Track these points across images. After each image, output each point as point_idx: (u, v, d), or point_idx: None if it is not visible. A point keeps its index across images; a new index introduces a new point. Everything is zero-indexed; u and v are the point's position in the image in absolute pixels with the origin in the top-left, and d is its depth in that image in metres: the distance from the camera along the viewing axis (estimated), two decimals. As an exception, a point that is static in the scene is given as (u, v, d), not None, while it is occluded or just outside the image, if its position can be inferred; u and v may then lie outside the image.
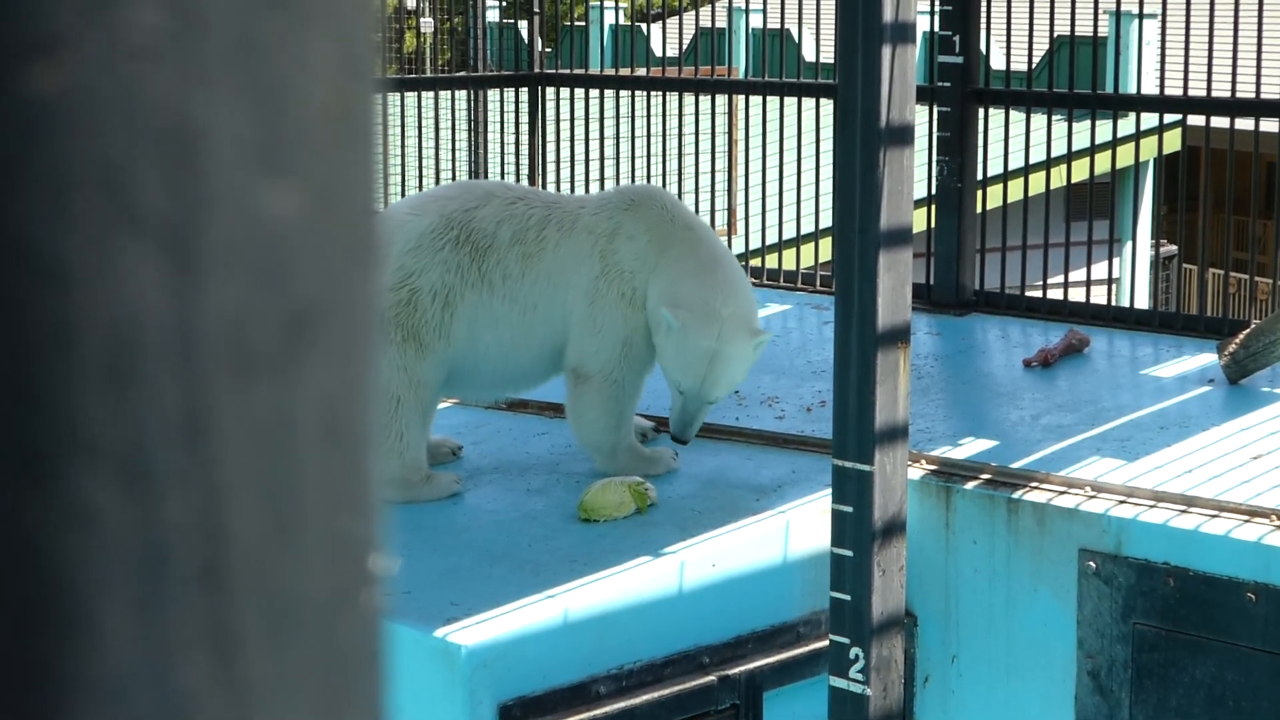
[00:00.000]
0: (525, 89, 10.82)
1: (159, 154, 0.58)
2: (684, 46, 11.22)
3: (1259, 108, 8.20)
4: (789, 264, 10.07)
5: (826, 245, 10.89)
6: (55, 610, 0.58)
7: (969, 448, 6.55)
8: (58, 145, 0.58)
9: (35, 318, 0.58)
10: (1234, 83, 8.18)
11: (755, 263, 9.90)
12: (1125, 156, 12.12)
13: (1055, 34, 8.88)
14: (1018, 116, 8.94)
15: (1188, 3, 8.27)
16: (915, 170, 5.65)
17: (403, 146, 11.06)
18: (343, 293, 0.61)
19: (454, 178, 10.75)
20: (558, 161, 10.62)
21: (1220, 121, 8.41)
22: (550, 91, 10.74)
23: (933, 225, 8.92)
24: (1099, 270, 13.54)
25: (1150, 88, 14.78)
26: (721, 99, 10.93)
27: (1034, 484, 6.15)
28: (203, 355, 0.59)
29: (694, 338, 6.15)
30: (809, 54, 13.87)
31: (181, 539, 0.59)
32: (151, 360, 0.58)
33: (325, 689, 0.62)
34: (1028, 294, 8.95)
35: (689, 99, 10.48)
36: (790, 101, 9.72)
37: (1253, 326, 7.34)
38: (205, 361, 0.59)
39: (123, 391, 0.58)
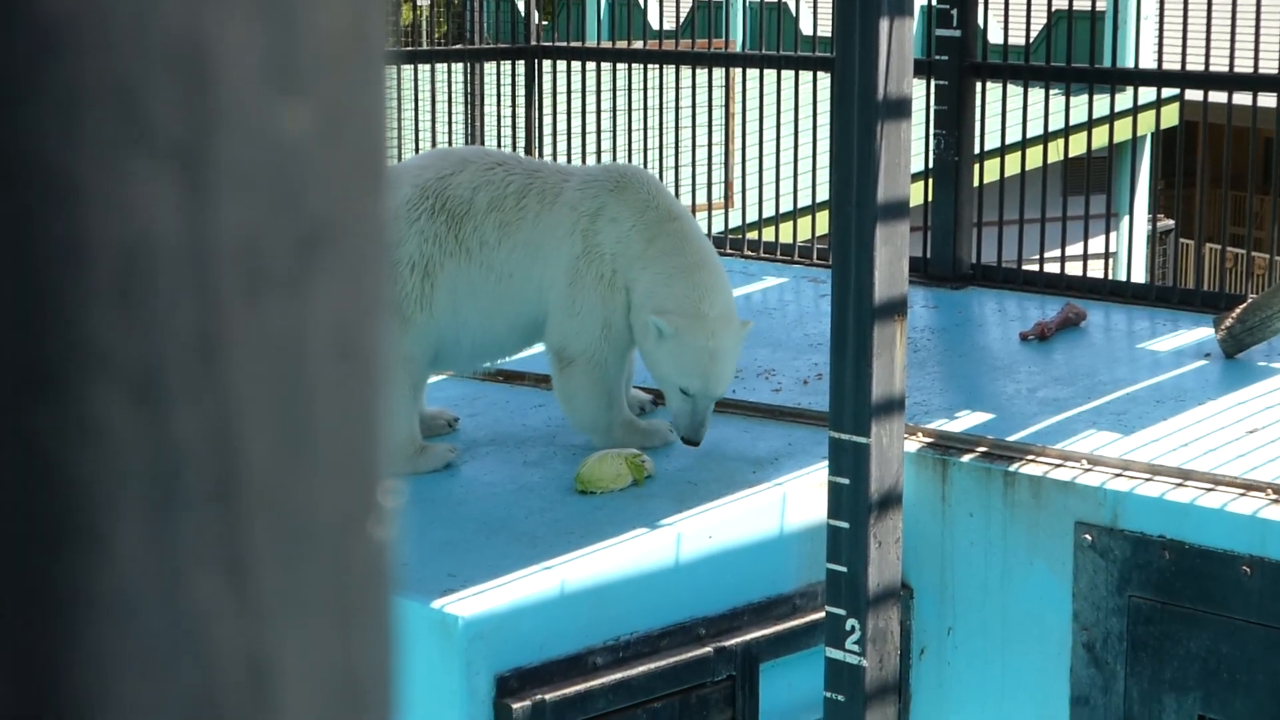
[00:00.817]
0: (522, 62, 10.80)
1: (171, 72, 0.58)
2: (681, 19, 11.20)
3: (1257, 82, 8.20)
4: (786, 237, 10.07)
5: (824, 218, 10.87)
6: (67, 526, 0.59)
7: (965, 421, 6.56)
8: (70, 64, 0.58)
9: (48, 235, 0.58)
10: (1232, 57, 8.17)
11: (752, 236, 9.89)
12: (1123, 131, 12.12)
13: (1053, 7, 8.87)
14: (1015, 90, 8.93)
15: (1186, -23, 8.26)
16: (912, 144, 5.65)
17: (399, 119, 11.04)
18: (355, 212, 0.61)
19: (450, 151, 10.72)
20: (554, 134, 10.61)
21: (1218, 96, 8.40)
22: (547, 64, 10.73)
23: (930, 199, 8.92)
24: (1096, 244, 13.54)
25: (1148, 62, 14.77)
26: (719, 72, 10.92)
27: (1030, 457, 6.16)
28: (215, 273, 0.59)
29: (689, 340, 6.14)
30: (806, 27, 13.85)
31: (193, 456, 0.59)
32: (164, 277, 0.59)
33: (336, 607, 0.62)
34: (1025, 268, 8.95)
35: (686, 72, 10.47)
36: (787, 75, 9.71)
37: (1249, 301, 7.35)
38: (217, 279, 0.59)
39: (135, 308, 0.58)
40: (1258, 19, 8.15)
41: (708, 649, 5.76)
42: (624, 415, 6.44)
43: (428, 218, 6.19)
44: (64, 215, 0.58)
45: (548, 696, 5.34)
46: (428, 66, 11.12)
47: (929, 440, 6.34)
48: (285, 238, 0.60)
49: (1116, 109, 9.44)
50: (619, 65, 10.58)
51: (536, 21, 10.94)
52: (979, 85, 8.79)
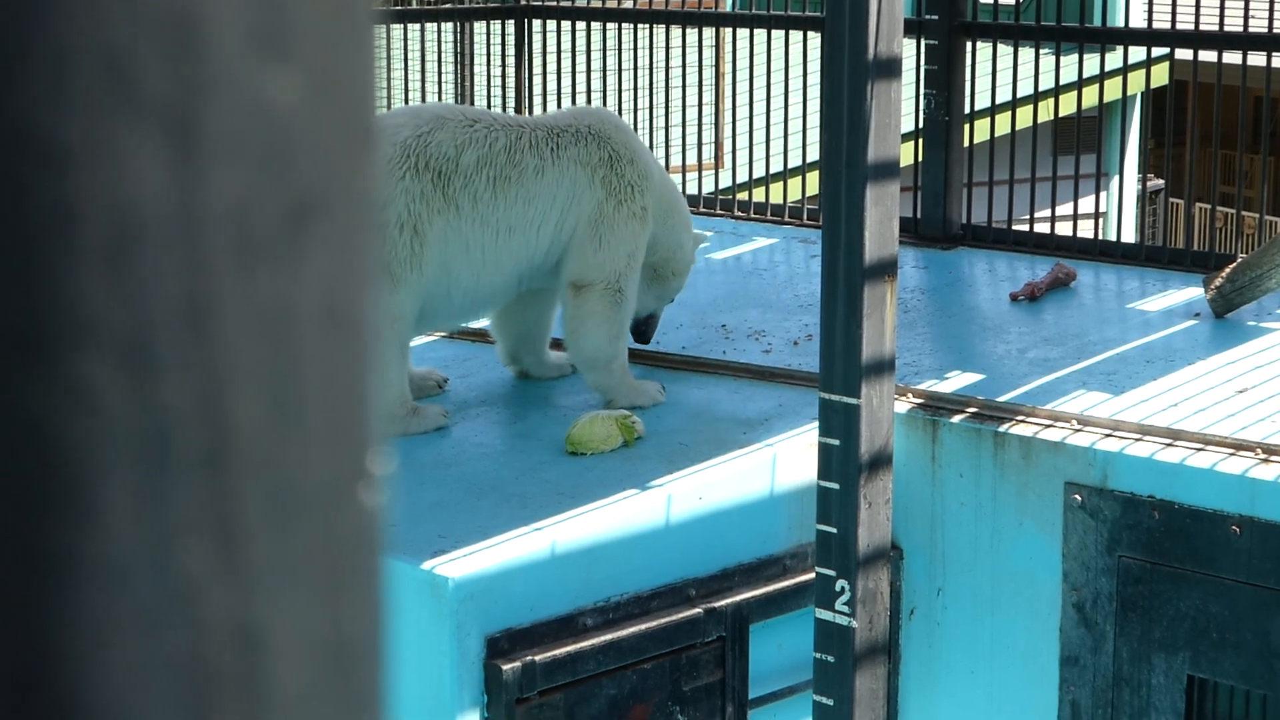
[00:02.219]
0: (512, 21, 10.77)
1: (160, 38, 0.58)
2: (671, -20, 11.17)
3: (1246, 41, 8.18)
4: (776, 198, 10.06)
5: (814, 179, 10.88)
6: (58, 493, 0.59)
7: (955, 381, 6.56)
8: (59, 28, 0.57)
9: (37, 201, 0.58)
10: (1222, 16, 8.16)
11: (742, 196, 9.88)
12: (1113, 90, 12.10)
13: (1043, -33, 8.84)
14: (1005, 50, 8.91)
15: (1176, -64, 8.24)
16: (903, 104, 5.64)
17: (389, 79, 11.01)
18: (343, 180, 0.61)
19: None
20: (544, 94, 10.59)
21: (1208, 55, 8.39)
22: (537, 24, 10.70)
23: (920, 159, 8.91)
24: (1086, 204, 13.52)
25: (1138, 21, 14.75)
26: (709, 32, 10.90)
27: (1020, 417, 6.16)
28: (204, 240, 0.59)
29: None
30: (796, -12, 13.82)
31: (183, 423, 0.59)
32: (153, 244, 0.58)
33: (325, 574, 0.62)
34: (1014, 228, 8.94)
35: (676, 32, 10.44)
36: (778, 35, 9.69)
37: (1239, 260, 7.35)
38: (207, 246, 0.59)
39: (124, 275, 0.58)
40: (1248, -22, 8.13)
41: (698, 610, 5.77)
42: (625, 358, 6.56)
43: (413, 176, 6.20)
44: (52, 181, 0.57)
45: (538, 657, 5.35)
46: (417, 26, 11.09)
47: (919, 401, 6.35)
48: (274, 205, 0.60)
49: (1106, 68, 9.43)
50: (609, 25, 10.55)
51: (526, -19, 10.90)
52: (969, 45, 8.78)
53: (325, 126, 0.61)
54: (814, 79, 9.21)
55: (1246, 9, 8.12)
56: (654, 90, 10.30)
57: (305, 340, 0.61)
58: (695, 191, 9.87)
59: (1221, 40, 8.27)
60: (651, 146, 9.94)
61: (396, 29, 11.09)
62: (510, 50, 10.80)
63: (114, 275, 0.58)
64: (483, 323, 7.02)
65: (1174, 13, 8.34)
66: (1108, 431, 5.99)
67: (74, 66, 0.57)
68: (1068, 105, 10.62)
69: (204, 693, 0.61)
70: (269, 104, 0.60)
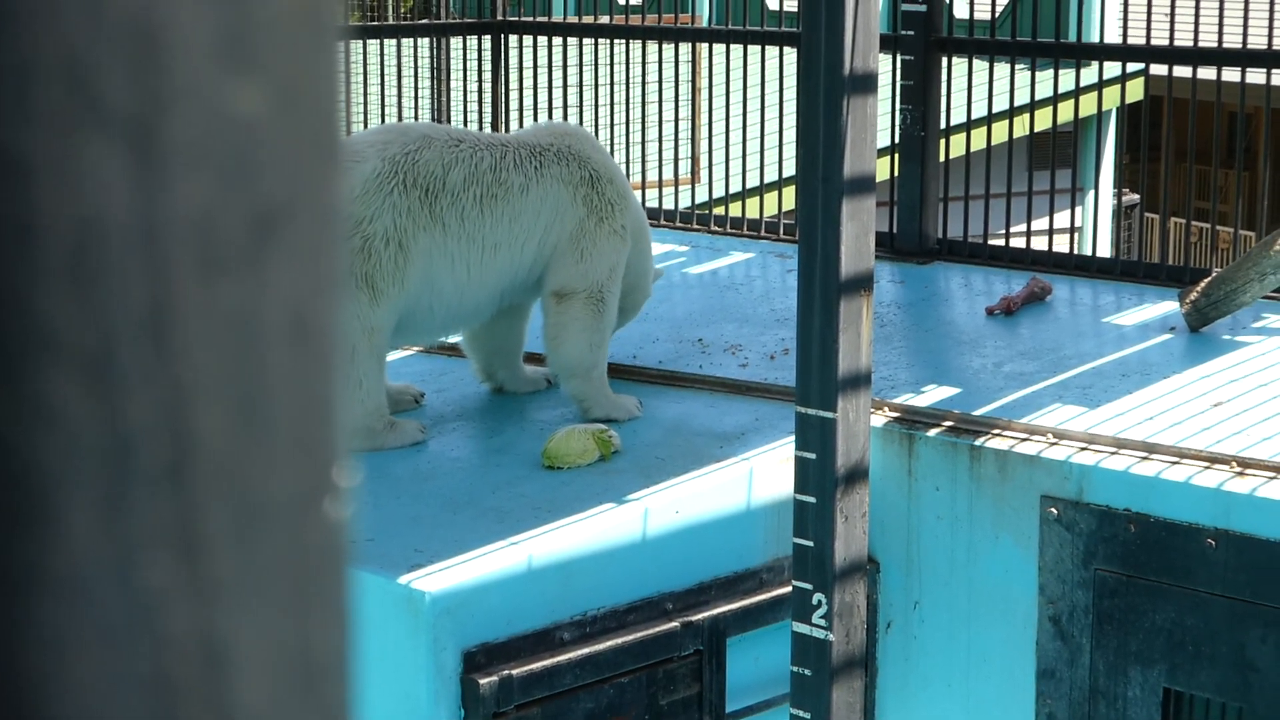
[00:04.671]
0: (488, 36, 10.77)
1: (123, 49, 0.58)
2: (647, -5, 11.17)
3: (1221, 57, 8.21)
4: (752, 212, 10.06)
5: (790, 194, 10.88)
6: (20, 507, 0.58)
7: (932, 395, 6.57)
8: (21, 39, 0.57)
9: (-2, 214, 0.57)
10: (1196, 32, 8.18)
11: (719, 211, 9.88)
12: (1088, 106, 12.14)
13: (1019, -18, 8.86)
14: (981, 65, 8.93)
15: (1151, -49, 8.26)
16: (878, 119, 5.65)
17: (365, 95, 11.00)
18: (308, 191, 0.61)
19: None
20: (520, 110, 10.58)
21: (1183, 71, 8.42)
22: (514, 39, 10.70)
23: (896, 174, 8.92)
24: (1061, 219, 13.54)
25: (1113, 37, 14.79)
26: (685, 47, 10.91)
27: (996, 431, 6.17)
28: (167, 252, 0.59)
29: None
30: (772, 2, 13.85)
31: (147, 437, 0.59)
32: (116, 256, 0.58)
33: (290, 589, 0.62)
34: (990, 242, 8.95)
35: (652, 47, 10.45)
36: (754, 50, 9.70)
37: (1214, 275, 7.36)
38: (170, 258, 0.59)
39: (87, 288, 0.58)
40: (1223, -7, 8.15)
41: (675, 624, 5.76)
42: (604, 369, 6.59)
43: (400, 192, 6.22)
44: (14, 193, 0.57)
45: (514, 672, 5.34)
46: (393, 41, 11.08)
47: (895, 415, 6.35)
48: (239, 217, 0.60)
49: (1082, 84, 9.44)
50: (586, 40, 10.55)
51: (502, -4, 10.90)
52: (945, 60, 8.79)
53: (290, 137, 0.60)
54: (790, 94, 9.22)
55: (1221, 25, 8.14)
56: (630, 105, 10.30)
57: (270, 352, 0.61)
58: (672, 206, 9.87)
59: (1196, 56, 8.29)
60: (628, 161, 9.96)
61: (372, 44, 11.08)
62: (487, 65, 10.79)
63: (76, 288, 0.58)
64: (456, 338, 7.02)
65: (1149, 28, 8.36)
66: (1083, 445, 6.00)
67: (37, 78, 0.57)
68: (1043, 120, 10.66)
69: (169, 708, 0.60)
70: (233, 115, 0.59)
